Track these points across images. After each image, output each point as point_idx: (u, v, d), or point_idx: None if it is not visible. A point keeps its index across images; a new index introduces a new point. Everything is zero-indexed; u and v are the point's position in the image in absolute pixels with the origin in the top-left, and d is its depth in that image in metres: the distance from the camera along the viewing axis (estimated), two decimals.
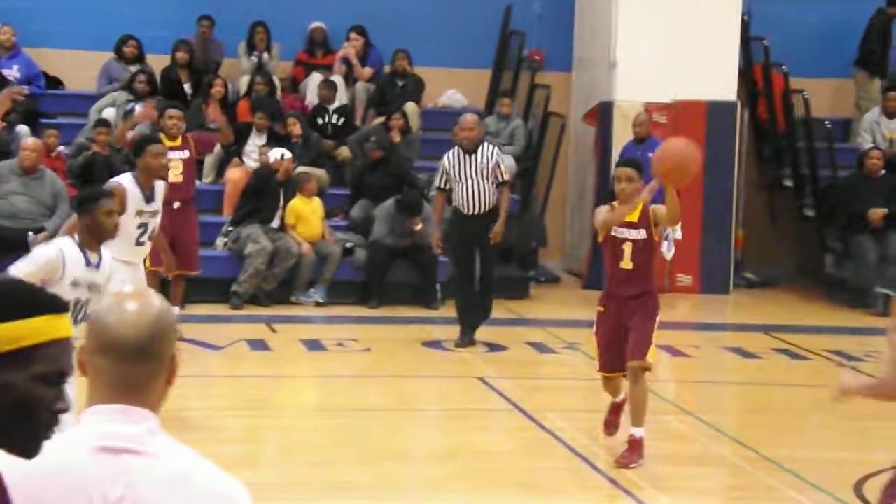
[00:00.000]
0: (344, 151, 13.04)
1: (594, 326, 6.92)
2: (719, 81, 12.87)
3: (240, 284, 11.48)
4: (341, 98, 13.50)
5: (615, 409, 7.07)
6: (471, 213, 9.70)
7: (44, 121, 12.67)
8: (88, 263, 5.50)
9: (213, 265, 11.63)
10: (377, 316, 11.58)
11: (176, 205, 9.70)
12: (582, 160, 13.84)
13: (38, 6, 13.45)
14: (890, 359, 3.93)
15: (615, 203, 6.83)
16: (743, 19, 13.22)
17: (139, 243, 7.40)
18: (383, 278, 11.91)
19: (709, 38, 12.77)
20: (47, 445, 1.92)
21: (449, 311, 10.94)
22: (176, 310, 9.38)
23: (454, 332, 10.13)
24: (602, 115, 13.13)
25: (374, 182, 12.40)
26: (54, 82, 13.60)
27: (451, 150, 9.94)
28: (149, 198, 7.44)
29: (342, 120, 13.22)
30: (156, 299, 2.07)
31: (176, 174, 9.91)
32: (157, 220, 7.50)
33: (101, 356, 2.00)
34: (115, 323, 2.00)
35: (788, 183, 13.73)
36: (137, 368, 1.99)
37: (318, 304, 11.75)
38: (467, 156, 9.72)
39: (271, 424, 7.98)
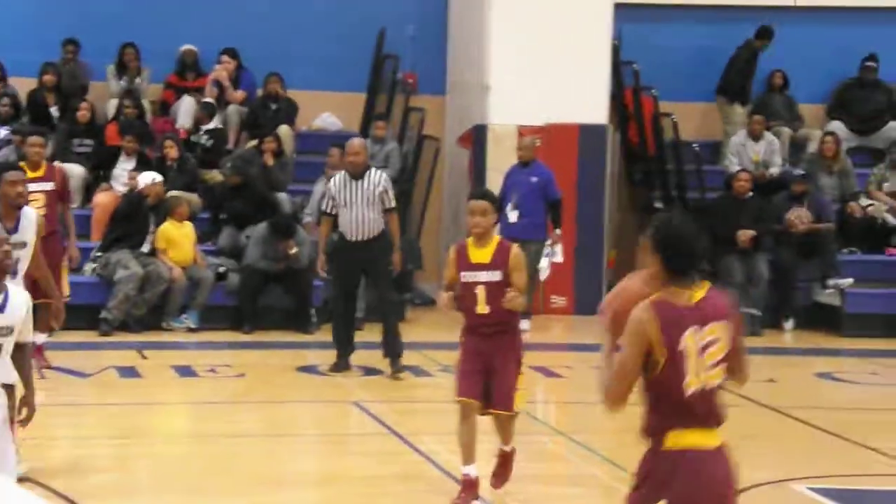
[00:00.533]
0: (216, 175, 12.87)
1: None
2: (591, 105, 13.09)
3: (109, 311, 11.22)
4: (213, 122, 13.33)
5: (503, 461, 6.58)
6: (357, 238, 9.58)
7: None
8: None
9: (82, 291, 11.30)
10: (251, 341, 11.43)
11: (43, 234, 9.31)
12: (457, 183, 13.92)
13: None
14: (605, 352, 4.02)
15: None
16: (613, 44, 13.50)
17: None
18: (257, 303, 11.77)
19: (580, 62, 12.99)
20: None
21: (324, 335, 10.85)
22: (43, 337, 9.13)
23: (329, 356, 10.05)
24: (476, 138, 13.24)
25: (235, 207, 12.27)
26: None
27: (338, 175, 9.79)
28: (11, 229, 6.84)
29: (213, 142, 13.05)
30: None
31: (37, 206, 9.38)
32: (27, 251, 6.87)
33: None
34: None
35: (659, 205, 14.01)
36: None
37: (190, 330, 11.56)
38: (354, 181, 9.59)
39: (142, 452, 7.79)
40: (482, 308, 6.24)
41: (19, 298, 5.00)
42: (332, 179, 9.93)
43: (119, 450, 7.75)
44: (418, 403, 9.45)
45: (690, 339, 3.86)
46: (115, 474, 7.14)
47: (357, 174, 9.60)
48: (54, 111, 13.03)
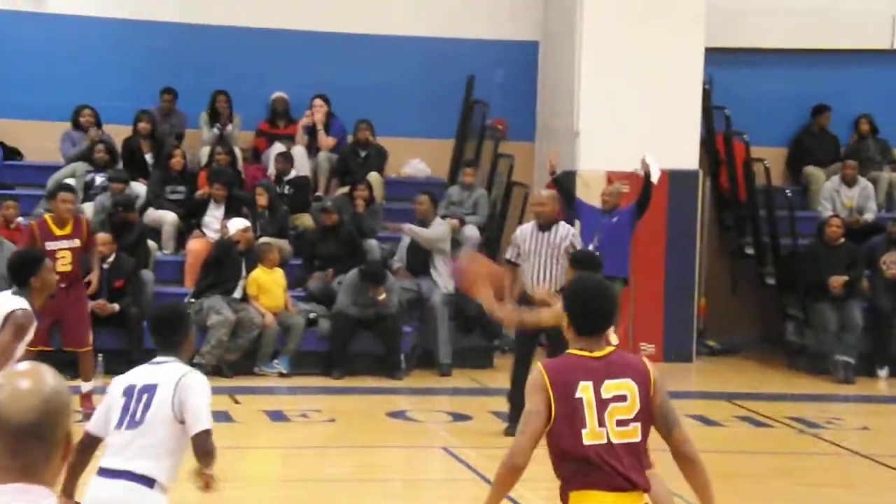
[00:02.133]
0: (305, 220, 13.01)
1: None
2: (682, 150, 13.00)
3: (202, 356, 11.36)
4: (303, 168, 13.49)
5: None
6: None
7: (2, 192, 12.58)
8: None
9: None
10: (341, 386, 11.49)
11: (63, 285, 9.24)
12: None
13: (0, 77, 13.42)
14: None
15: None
16: (704, 88, 13.42)
17: None
18: (347, 348, 11.84)
19: (671, 107, 12.92)
20: None
21: (413, 381, 10.88)
22: (89, 385, 9.30)
23: (419, 402, 10.06)
24: (568, 181, 13.21)
25: (327, 251, 12.37)
26: (13, 153, 13.52)
27: (527, 225, 9.54)
28: None
29: (293, 191, 13.16)
30: (49, 376, 2.01)
31: (64, 264, 9.45)
32: None
33: None
34: (5, 403, 1.96)
35: (750, 251, 13.84)
36: (31, 448, 1.95)
37: (281, 375, 11.65)
38: (541, 233, 9.26)
39: (235, 496, 7.83)
40: None
41: None
42: (519, 228, 9.70)
43: (211, 494, 7.81)
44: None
45: (587, 391, 3.85)
46: None
47: (544, 226, 9.25)
48: (149, 158, 13.29)
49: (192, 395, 4.45)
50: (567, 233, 9.33)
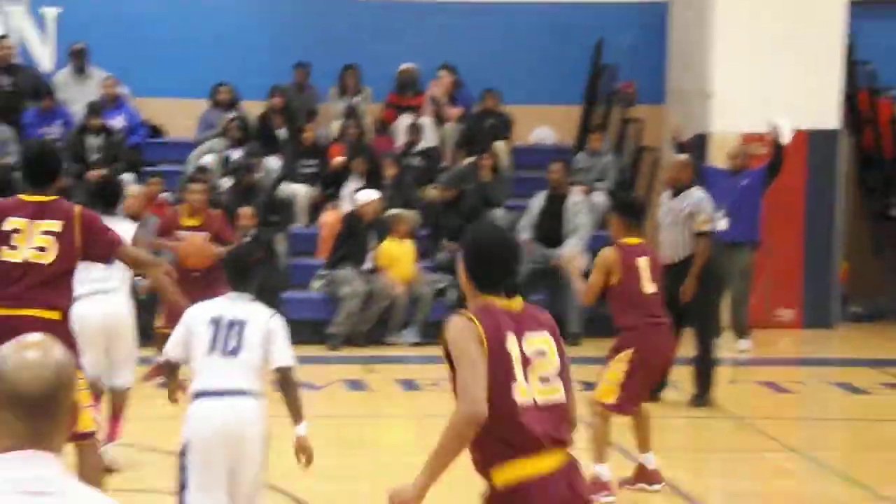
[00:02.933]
0: (432, 191, 13.03)
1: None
2: (821, 109, 12.58)
3: (336, 326, 11.51)
4: (430, 139, 13.52)
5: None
6: (666, 262, 7.90)
7: (147, 168, 12.90)
8: None
9: (309, 307, 11.70)
10: None
11: (196, 274, 9.30)
12: None
13: (141, 57, 13.73)
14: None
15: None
16: (847, 43, 12.93)
17: None
18: None
19: (810, 64, 12.50)
20: None
21: None
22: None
23: None
24: (697, 147, 12.93)
25: (451, 222, 12.36)
26: (156, 131, 13.85)
27: (666, 192, 9.26)
28: None
29: (424, 162, 13.21)
30: (56, 349, 2.06)
31: None
32: None
33: (5, 405, 2.02)
34: (13, 374, 2.01)
35: (895, 213, 13.35)
36: (41, 418, 2.02)
37: (412, 344, 11.72)
38: (672, 199, 8.99)
39: (370, 463, 7.92)
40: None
41: None
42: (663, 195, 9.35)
43: (348, 459, 7.90)
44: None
45: (513, 345, 3.44)
46: (344, 484, 7.28)
47: (675, 192, 8.98)
48: (282, 133, 13.48)
49: (278, 334, 5.04)
50: (692, 199, 8.92)
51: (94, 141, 12.49)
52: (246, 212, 11.37)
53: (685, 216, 8.89)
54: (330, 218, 12.51)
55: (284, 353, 5.04)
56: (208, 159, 12.89)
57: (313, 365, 10.85)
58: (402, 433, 9.29)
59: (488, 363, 3.39)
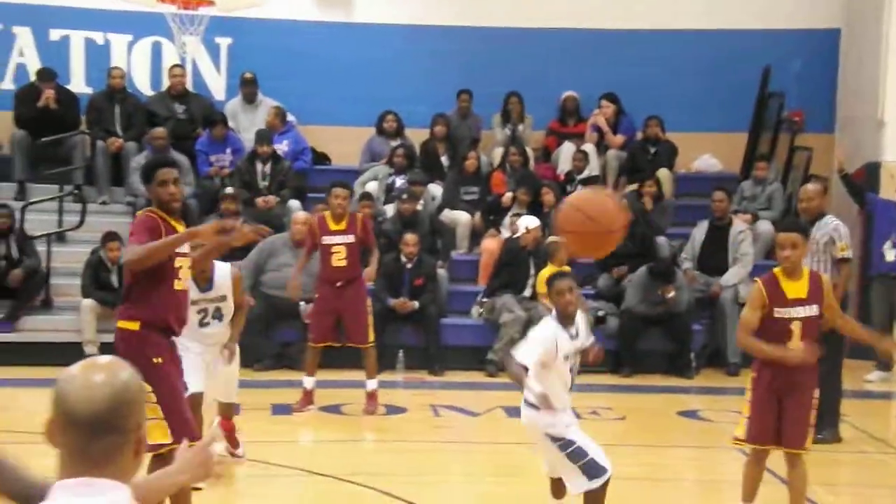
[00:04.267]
0: None
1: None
2: None
3: (495, 352, 11.59)
4: (592, 166, 13.52)
5: None
6: None
7: (312, 195, 13.25)
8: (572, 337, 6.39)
9: (469, 333, 11.83)
10: (630, 384, 11.42)
11: (339, 283, 9.58)
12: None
13: (307, 85, 14.14)
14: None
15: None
16: None
17: (203, 324, 7.22)
18: (636, 346, 11.76)
19: None
20: None
21: (703, 379, 10.66)
22: (373, 383, 9.47)
23: (710, 401, 9.85)
24: (868, 176, 12.59)
25: (620, 250, 12.28)
26: (321, 157, 14.23)
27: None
28: (205, 287, 7.17)
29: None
30: (122, 371, 2.01)
31: (339, 259, 9.58)
32: (225, 303, 7.23)
33: (66, 426, 1.98)
34: (73, 395, 1.97)
35: None
36: (98, 441, 1.95)
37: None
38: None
39: (533, 491, 7.95)
40: (796, 343, 6.04)
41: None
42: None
43: (510, 487, 7.95)
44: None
45: None
46: None
47: (810, 221, 8.69)
48: (444, 160, 13.68)
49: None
50: (829, 226, 8.72)
51: (262, 168, 12.90)
52: (411, 239, 11.59)
53: (824, 244, 8.69)
54: (490, 245, 12.63)
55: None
56: (372, 186, 13.17)
57: (472, 391, 10.95)
58: None
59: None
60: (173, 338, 5.71)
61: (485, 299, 11.98)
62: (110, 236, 11.40)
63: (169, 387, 5.53)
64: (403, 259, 11.68)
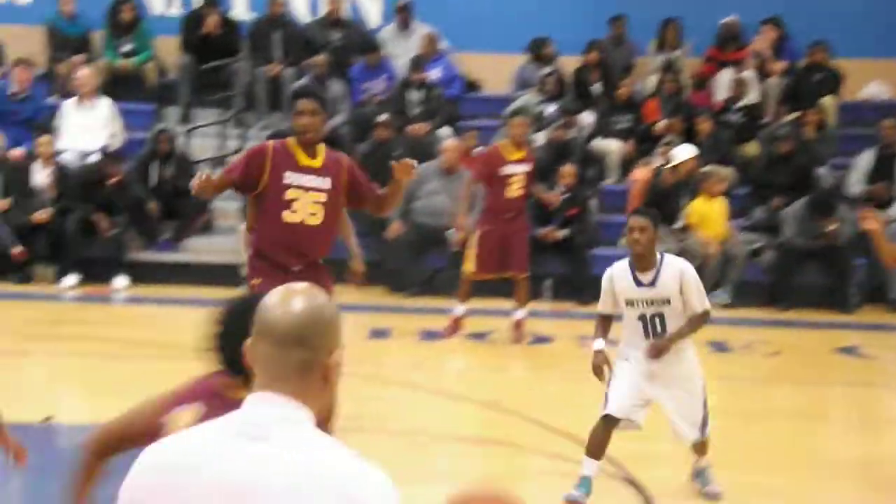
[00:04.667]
0: (750, 149, 12.62)
1: None
2: None
3: None
4: (752, 94, 13.08)
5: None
6: None
7: (463, 123, 13.19)
8: (639, 284, 5.76)
9: None
10: (786, 319, 11.11)
11: (509, 215, 9.47)
12: None
13: (460, 11, 14.01)
14: None
15: None
16: None
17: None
18: (792, 280, 11.41)
19: None
20: (196, 429, 2.00)
21: (864, 315, 10.30)
22: (522, 312, 9.36)
23: (870, 337, 9.52)
24: None
25: (775, 180, 11.90)
26: (472, 85, 14.13)
27: None
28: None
29: (742, 118, 12.79)
30: (322, 295, 2.04)
31: (517, 189, 9.47)
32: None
33: (259, 340, 2.01)
34: (272, 307, 2.01)
35: None
36: (287, 354, 1.98)
37: (723, 306, 11.45)
38: None
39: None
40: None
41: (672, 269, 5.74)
42: None
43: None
44: None
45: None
46: (650, 444, 7.24)
47: None
48: (596, 88, 13.43)
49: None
50: None
51: (415, 95, 12.89)
52: (568, 170, 11.44)
53: None
54: (641, 174, 12.38)
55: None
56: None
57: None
58: (711, 395, 9.10)
59: None
60: (294, 268, 5.55)
61: None
62: None
63: None
64: (559, 188, 11.54)
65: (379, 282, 11.25)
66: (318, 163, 5.72)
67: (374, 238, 11.54)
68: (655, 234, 5.72)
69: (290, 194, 5.62)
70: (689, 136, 12.33)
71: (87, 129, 12.01)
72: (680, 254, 11.29)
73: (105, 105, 12.16)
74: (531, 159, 9.63)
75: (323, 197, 5.69)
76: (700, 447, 5.98)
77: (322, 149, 5.77)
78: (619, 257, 12.15)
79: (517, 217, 9.60)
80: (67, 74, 12.59)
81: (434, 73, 13.34)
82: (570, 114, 12.63)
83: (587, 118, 13.00)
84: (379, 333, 9.87)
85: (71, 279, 11.12)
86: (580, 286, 11.37)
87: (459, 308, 9.61)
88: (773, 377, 9.19)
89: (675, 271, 5.67)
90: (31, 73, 12.23)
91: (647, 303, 5.67)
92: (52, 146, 11.58)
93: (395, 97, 12.83)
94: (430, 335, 9.79)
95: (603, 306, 5.90)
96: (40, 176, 11.44)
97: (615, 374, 5.74)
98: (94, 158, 11.71)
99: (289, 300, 2.01)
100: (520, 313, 9.54)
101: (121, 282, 11.21)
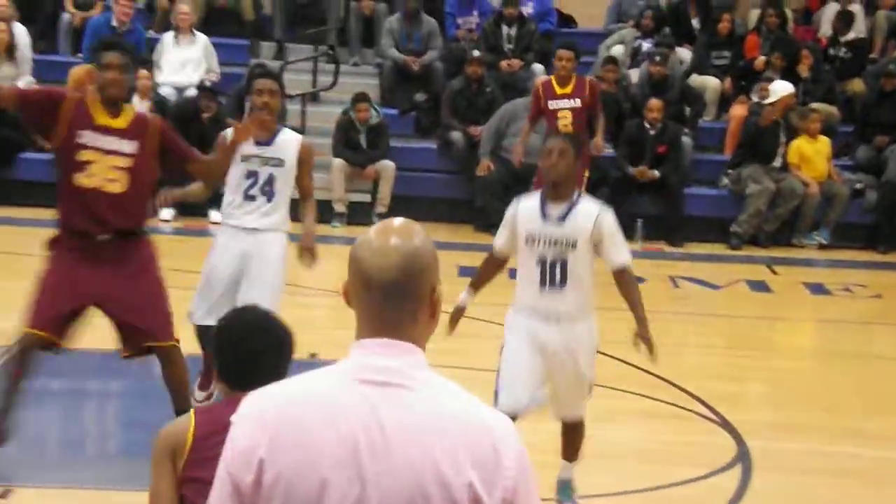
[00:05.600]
0: (855, 86, 12.24)
1: None
2: None
3: (740, 224, 11.21)
4: (859, 28, 12.66)
5: None
6: None
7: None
8: (545, 217, 4.76)
9: (713, 204, 11.48)
10: (888, 261, 10.84)
11: None
12: None
13: None
14: None
15: None
16: None
17: (247, 197, 5.72)
18: (895, 222, 11.10)
19: None
20: (310, 377, 1.93)
21: None
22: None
23: None
24: None
25: (882, 118, 11.53)
26: (566, 20, 13.91)
27: None
28: (263, 141, 5.73)
29: (851, 54, 12.39)
30: (416, 235, 1.98)
31: (564, 124, 9.27)
32: (282, 171, 5.72)
33: (361, 291, 1.96)
34: (368, 260, 1.95)
35: None
36: (396, 305, 1.94)
37: (821, 247, 11.21)
38: None
39: (770, 366, 7.72)
40: None
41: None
42: None
43: (747, 361, 7.75)
44: None
45: None
46: (741, 384, 7.16)
47: None
48: (695, 23, 13.12)
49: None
50: None
51: (508, 30, 12.74)
52: (655, 104, 11.23)
53: None
54: (739, 112, 12.11)
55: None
56: (618, 50, 12.80)
57: (714, 263, 10.67)
58: (801, 337, 8.97)
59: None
60: (100, 237, 4.98)
61: (729, 171, 11.55)
62: (360, 97, 11.58)
63: (47, 279, 5.05)
64: (647, 125, 11.34)
65: (468, 220, 11.23)
66: (120, 123, 5.08)
67: (464, 176, 11.50)
68: (575, 164, 4.75)
69: (84, 155, 5.02)
70: (790, 72, 12.01)
71: (184, 63, 12.11)
72: (777, 193, 11.18)
73: (202, 40, 12.25)
74: (580, 94, 9.38)
75: (125, 162, 5.05)
76: (571, 449, 4.94)
77: (129, 109, 5.21)
78: (715, 198, 12.06)
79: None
80: (167, 8, 12.70)
81: (528, 8, 13.16)
82: (667, 49, 12.37)
83: (685, 54, 12.73)
84: (468, 272, 9.85)
85: (167, 212, 11.29)
86: (673, 226, 11.21)
87: None
88: (872, 320, 9.00)
89: (591, 214, 4.68)
90: (133, 7, 12.35)
91: (549, 242, 4.68)
92: (151, 80, 11.72)
93: (489, 32, 12.69)
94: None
95: (498, 240, 4.89)
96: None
97: (504, 355, 4.78)
98: (190, 93, 11.83)
99: (386, 251, 1.96)
100: None
101: (216, 215, 11.35)
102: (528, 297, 4.74)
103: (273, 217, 5.72)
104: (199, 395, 5.68)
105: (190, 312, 5.65)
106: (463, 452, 1.87)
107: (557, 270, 4.69)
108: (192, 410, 2.97)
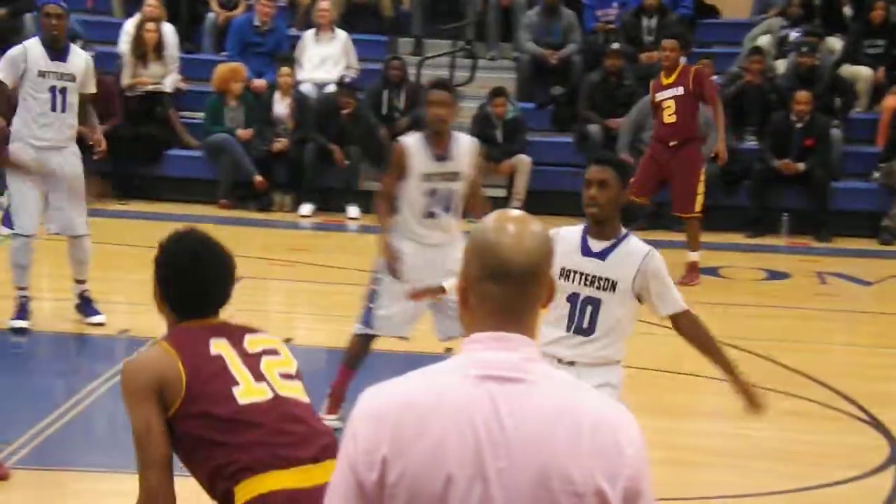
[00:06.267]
0: None
1: None
2: None
3: (891, 219, 10.81)
4: None
5: None
6: None
7: (698, 50, 12.70)
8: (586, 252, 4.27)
9: (863, 198, 11.10)
10: None
11: (672, 143, 8.99)
12: None
13: None
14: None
15: None
16: None
17: (428, 215, 5.76)
18: None
19: None
20: (427, 374, 1.91)
21: None
22: (695, 255, 8.84)
23: None
24: None
25: None
26: (709, 10, 13.60)
27: None
28: (440, 156, 5.76)
29: None
30: (536, 222, 1.99)
31: (669, 115, 8.99)
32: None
33: (490, 282, 1.92)
34: (505, 246, 1.93)
35: None
36: (525, 292, 1.93)
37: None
38: None
39: None
40: None
41: None
42: None
43: (891, 359, 7.45)
44: None
45: (223, 346, 2.93)
46: (886, 383, 6.88)
47: None
48: (847, 10, 12.69)
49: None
50: None
51: (648, 22, 12.52)
52: (803, 96, 10.89)
53: None
54: (892, 103, 11.66)
55: None
56: (764, 40, 12.46)
57: (864, 259, 10.32)
58: None
59: (189, 380, 2.91)
60: None
61: (881, 164, 11.13)
62: (497, 92, 11.53)
63: None
64: (793, 118, 10.99)
65: None
66: None
67: None
68: (620, 197, 4.14)
69: None
70: None
71: (324, 60, 12.25)
72: None
73: (342, 37, 12.37)
74: (683, 82, 9.02)
75: None
76: None
77: None
78: (866, 191, 11.66)
79: (680, 148, 9.01)
80: (308, 6, 12.86)
81: None
82: (816, 38, 11.98)
83: (835, 43, 12.32)
84: None
85: (307, 207, 11.43)
86: (820, 221, 10.87)
87: (693, 255, 9.09)
88: None
89: (638, 256, 4.13)
90: (274, 6, 12.55)
91: (587, 280, 4.16)
92: (292, 77, 11.88)
93: (628, 24, 12.51)
94: None
95: None
96: (280, 107, 11.77)
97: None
98: (330, 89, 11.95)
99: (524, 236, 1.95)
100: (692, 255, 8.97)
101: (353, 211, 11.45)
102: (550, 339, 4.15)
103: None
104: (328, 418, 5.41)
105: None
106: (584, 445, 1.84)
107: (588, 314, 4.16)
108: (159, 343, 2.96)
